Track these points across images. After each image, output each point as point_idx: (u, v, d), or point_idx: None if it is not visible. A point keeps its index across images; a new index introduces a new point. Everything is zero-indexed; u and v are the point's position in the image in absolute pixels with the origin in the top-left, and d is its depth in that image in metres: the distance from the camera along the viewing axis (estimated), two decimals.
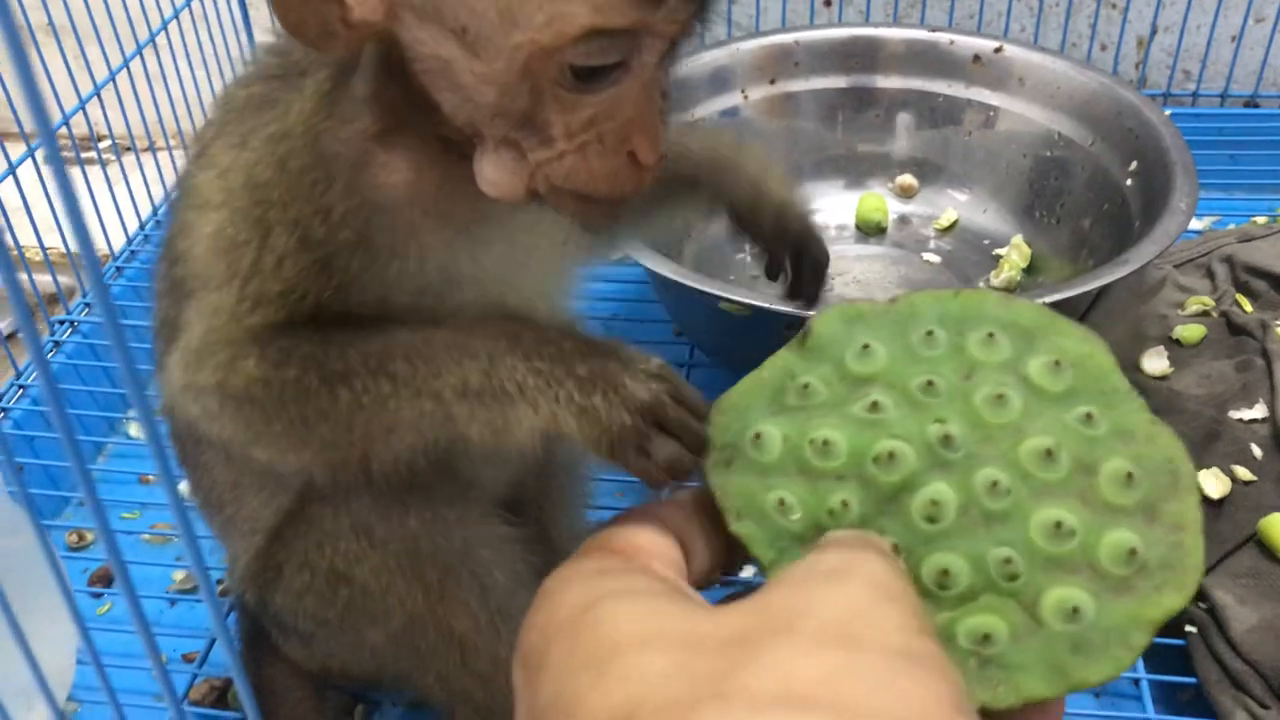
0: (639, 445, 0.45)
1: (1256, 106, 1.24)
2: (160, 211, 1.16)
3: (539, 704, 0.31)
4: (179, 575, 0.83)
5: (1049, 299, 0.75)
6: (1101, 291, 0.90)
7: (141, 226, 1.13)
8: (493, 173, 0.47)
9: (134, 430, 0.97)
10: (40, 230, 0.97)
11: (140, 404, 0.30)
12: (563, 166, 0.46)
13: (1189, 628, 0.71)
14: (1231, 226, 1.07)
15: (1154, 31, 1.24)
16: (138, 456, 0.94)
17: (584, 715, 0.29)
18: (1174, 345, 0.91)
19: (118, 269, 1.08)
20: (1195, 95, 1.24)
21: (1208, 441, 0.81)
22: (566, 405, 0.46)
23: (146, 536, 0.87)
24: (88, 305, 1.03)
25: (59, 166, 0.28)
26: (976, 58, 1.03)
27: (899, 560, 0.35)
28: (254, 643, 0.67)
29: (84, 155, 1.06)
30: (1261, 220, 1.08)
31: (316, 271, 0.49)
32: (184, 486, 0.89)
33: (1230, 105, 1.24)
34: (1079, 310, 0.87)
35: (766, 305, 0.74)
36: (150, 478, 0.92)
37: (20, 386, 0.95)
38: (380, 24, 0.44)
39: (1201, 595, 0.72)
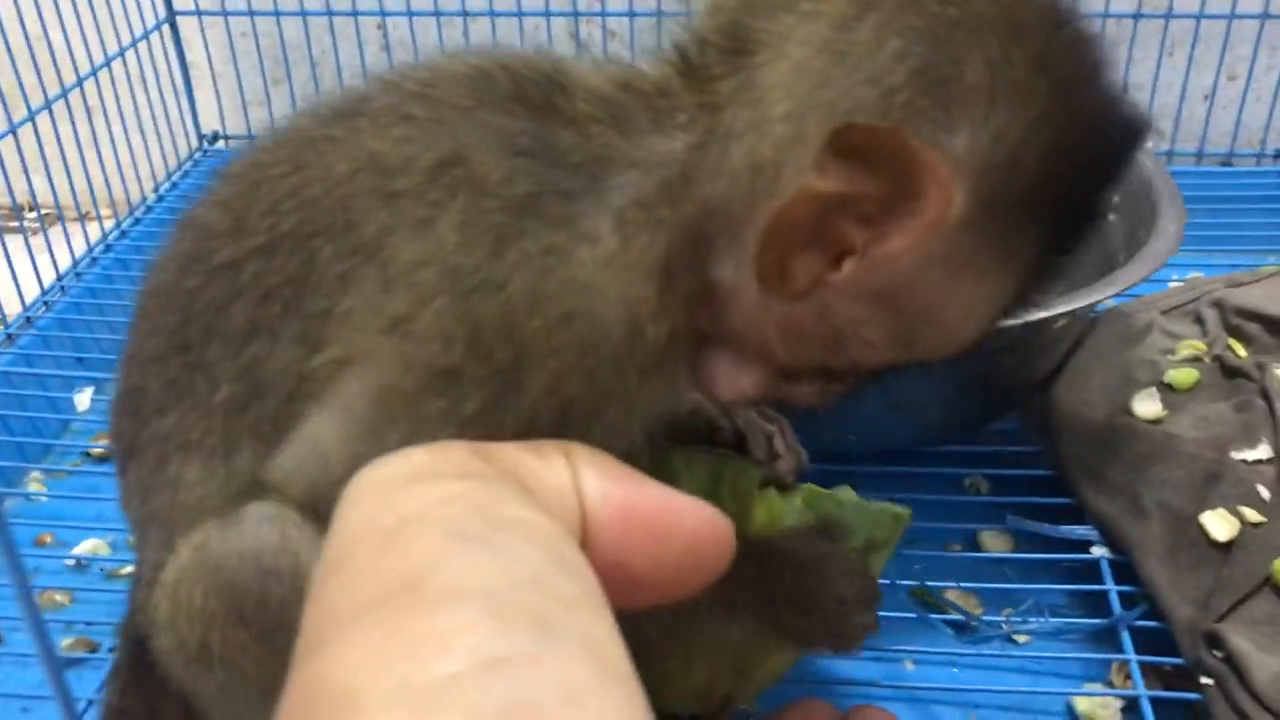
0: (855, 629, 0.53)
1: (1232, 165, 1.21)
2: (65, 279, 1.08)
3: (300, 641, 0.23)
4: (66, 641, 0.74)
5: (1029, 319, 0.69)
6: (1085, 334, 0.84)
7: (44, 291, 1.06)
8: (749, 388, 0.47)
9: (34, 488, 0.88)
10: None
11: None
12: (815, 397, 0.48)
13: (1205, 679, 0.63)
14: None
15: (1125, 89, 1.21)
16: (36, 516, 0.85)
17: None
18: (1166, 390, 0.85)
19: (9, 336, 1.00)
20: (1170, 154, 1.21)
21: (1209, 484, 0.74)
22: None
23: (39, 600, 0.78)
24: None
25: None
26: None
27: None
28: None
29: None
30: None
31: (561, 423, 0.43)
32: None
33: (1207, 164, 1.21)
34: (1063, 343, 0.81)
35: None
36: (49, 538, 0.83)
37: None
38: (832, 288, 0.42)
39: (1216, 643, 0.64)
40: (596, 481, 0.28)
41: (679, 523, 0.29)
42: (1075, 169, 0.41)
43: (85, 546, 0.81)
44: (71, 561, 0.81)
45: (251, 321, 0.46)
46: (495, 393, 0.42)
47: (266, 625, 0.45)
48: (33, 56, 1.02)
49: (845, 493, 0.59)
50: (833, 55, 0.39)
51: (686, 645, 0.53)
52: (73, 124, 1.08)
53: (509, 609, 0.22)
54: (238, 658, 0.46)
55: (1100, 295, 0.71)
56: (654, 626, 0.51)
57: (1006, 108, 0.38)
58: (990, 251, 0.41)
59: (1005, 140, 0.38)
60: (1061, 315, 0.71)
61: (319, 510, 0.45)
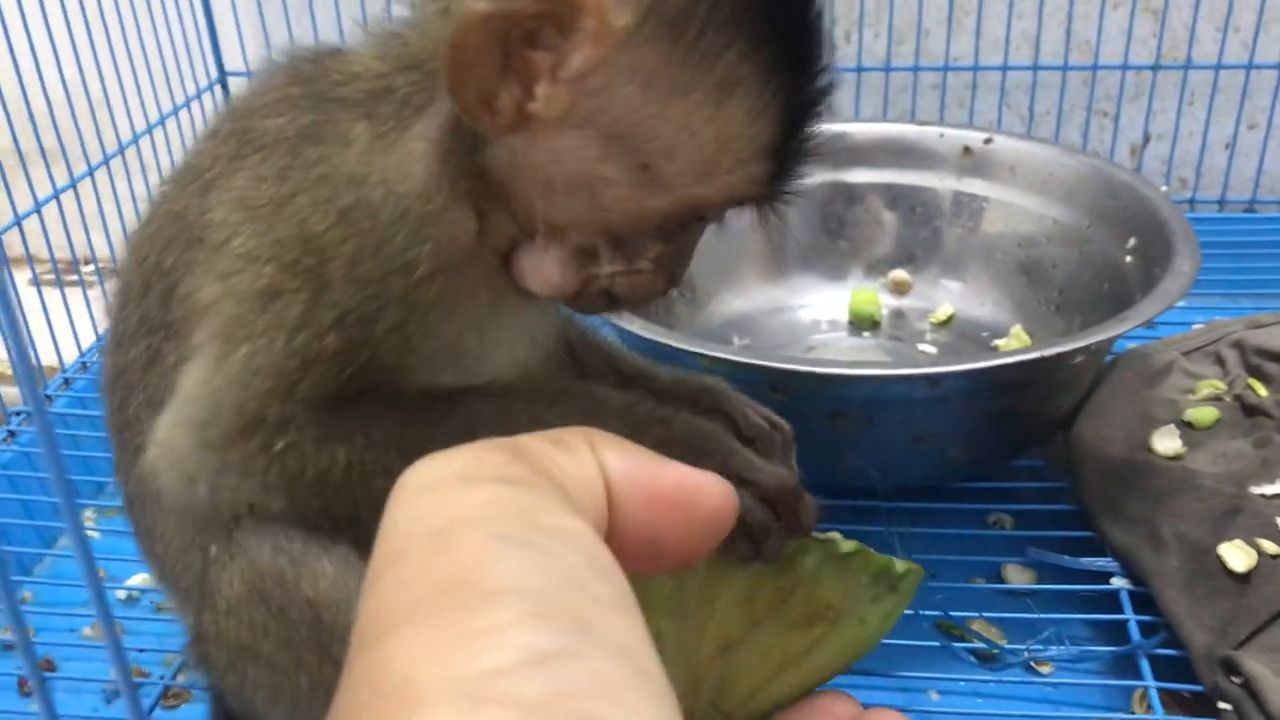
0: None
1: (1255, 212, 1.23)
2: None
3: (353, 639, 0.25)
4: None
5: (1045, 353, 0.71)
6: (1106, 371, 0.86)
7: (99, 337, 1.10)
8: (553, 272, 0.48)
9: (87, 524, 0.91)
10: None
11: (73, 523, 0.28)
12: (628, 280, 0.49)
13: (1223, 705, 0.64)
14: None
15: (1146, 139, 1.24)
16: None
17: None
18: (1186, 428, 0.86)
19: (65, 380, 1.05)
20: (1193, 201, 1.22)
21: (1227, 517, 0.75)
22: None
23: (87, 631, 0.81)
24: (28, 415, 0.99)
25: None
26: (966, 149, 1.01)
27: None
28: None
29: (41, 272, 1.04)
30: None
31: (385, 329, 0.47)
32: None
33: (1229, 211, 1.22)
34: (1083, 380, 0.83)
35: (747, 360, 0.70)
36: (101, 572, 0.86)
37: None
38: (546, 122, 0.44)
39: (1234, 669, 0.65)
40: (620, 466, 0.30)
41: (699, 495, 0.31)
42: None
43: (136, 580, 0.85)
44: (123, 594, 0.84)
45: (147, 350, 0.53)
46: (311, 296, 0.46)
47: (281, 600, 0.49)
48: (93, 115, 1.07)
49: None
50: None
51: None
52: (129, 181, 1.12)
53: (549, 607, 0.23)
54: (262, 644, 0.50)
55: (1113, 331, 0.73)
56: None
57: None
58: (682, 65, 0.43)
59: None
60: (1078, 350, 0.73)
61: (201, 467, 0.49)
